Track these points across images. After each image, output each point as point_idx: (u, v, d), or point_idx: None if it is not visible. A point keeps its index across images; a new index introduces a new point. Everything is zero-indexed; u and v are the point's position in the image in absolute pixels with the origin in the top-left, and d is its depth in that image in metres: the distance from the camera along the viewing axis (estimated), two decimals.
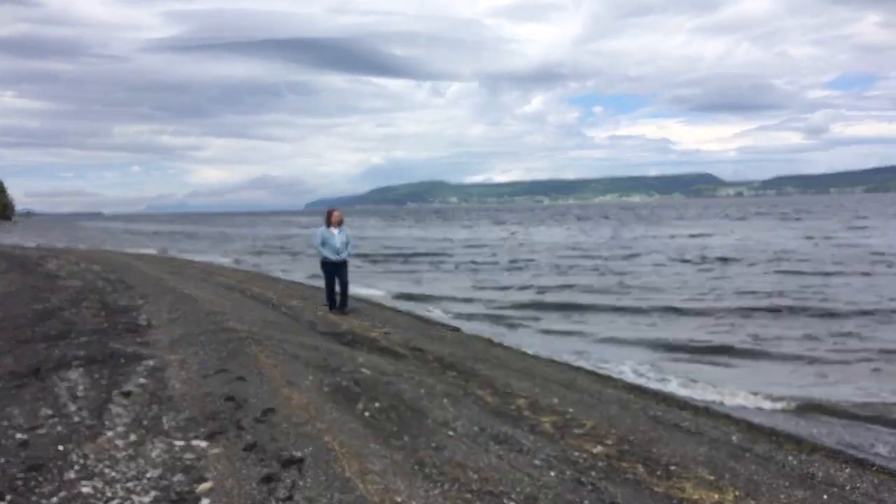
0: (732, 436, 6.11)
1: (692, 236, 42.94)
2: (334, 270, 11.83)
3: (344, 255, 11.80)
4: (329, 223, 11.76)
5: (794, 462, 5.50)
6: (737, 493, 4.62)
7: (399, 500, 3.95)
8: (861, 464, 5.72)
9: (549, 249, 35.60)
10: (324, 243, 11.65)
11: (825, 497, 4.75)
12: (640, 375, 9.29)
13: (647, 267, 25.16)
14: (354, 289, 14.81)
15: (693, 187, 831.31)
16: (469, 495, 4.14)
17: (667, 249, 32.77)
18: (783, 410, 7.83)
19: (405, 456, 4.74)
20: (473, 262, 28.96)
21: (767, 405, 7.97)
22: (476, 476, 4.44)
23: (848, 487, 5.01)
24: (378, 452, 4.72)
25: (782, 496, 4.67)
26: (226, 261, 30.99)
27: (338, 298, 12.09)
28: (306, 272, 23.30)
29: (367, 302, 15.00)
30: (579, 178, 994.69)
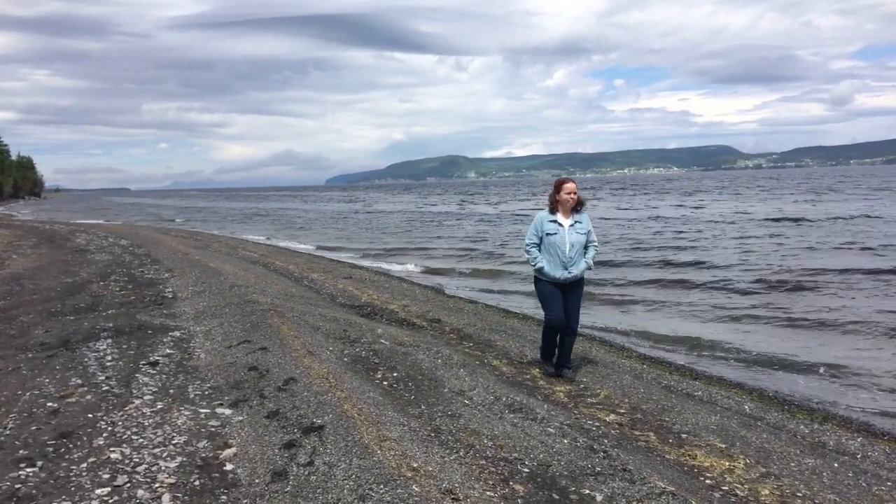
0: (745, 405, 6.15)
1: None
2: (560, 294, 6.27)
3: (577, 271, 6.19)
4: (555, 208, 6.26)
5: (806, 431, 5.54)
6: (748, 461, 4.69)
7: (415, 465, 4.05)
8: (873, 433, 5.75)
9: None
10: (539, 244, 6.26)
11: (836, 465, 4.80)
12: None
13: None
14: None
15: (712, 160, 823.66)
16: (484, 461, 4.25)
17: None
18: None
19: (422, 423, 4.86)
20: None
21: None
22: (491, 443, 4.55)
23: (859, 456, 5.05)
24: (396, 420, 4.84)
25: (793, 464, 4.72)
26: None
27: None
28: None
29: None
30: (598, 152, 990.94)
